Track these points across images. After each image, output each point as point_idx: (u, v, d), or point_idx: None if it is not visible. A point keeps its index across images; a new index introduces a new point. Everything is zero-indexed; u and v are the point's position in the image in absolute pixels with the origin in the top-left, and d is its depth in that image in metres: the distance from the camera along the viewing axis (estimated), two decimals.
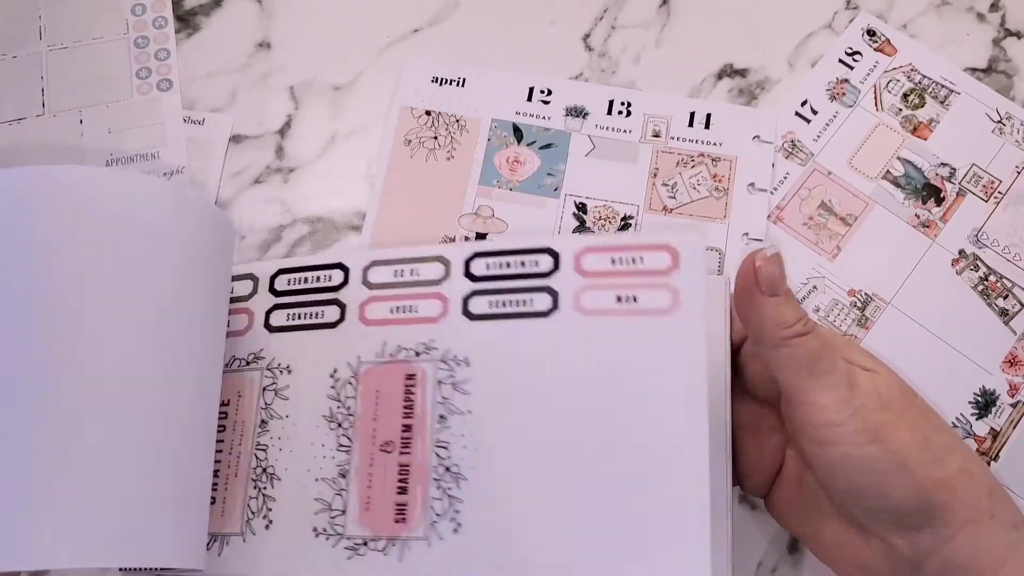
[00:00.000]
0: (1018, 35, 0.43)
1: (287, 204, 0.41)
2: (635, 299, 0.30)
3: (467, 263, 0.33)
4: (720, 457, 0.33)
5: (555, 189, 0.40)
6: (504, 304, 0.32)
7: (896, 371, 0.31)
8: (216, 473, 0.33)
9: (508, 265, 0.32)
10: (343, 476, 0.32)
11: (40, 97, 0.42)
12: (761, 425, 0.32)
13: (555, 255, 0.32)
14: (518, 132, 0.41)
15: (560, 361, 0.31)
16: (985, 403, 0.37)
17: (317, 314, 0.34)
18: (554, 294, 0.31)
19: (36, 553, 0.26)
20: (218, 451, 0.33)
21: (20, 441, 0.27)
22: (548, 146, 0.41)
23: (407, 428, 0.31)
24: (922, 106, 0.41)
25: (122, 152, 0.41)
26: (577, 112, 0.41)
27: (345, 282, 0.34)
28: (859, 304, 0.38)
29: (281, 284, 0.35)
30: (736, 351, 0.33)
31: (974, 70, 0.42)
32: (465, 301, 0.32)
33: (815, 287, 0.38)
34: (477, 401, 0.31)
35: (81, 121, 0.42)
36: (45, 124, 0.42)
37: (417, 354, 0.32)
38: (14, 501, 0.26)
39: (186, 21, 0.44)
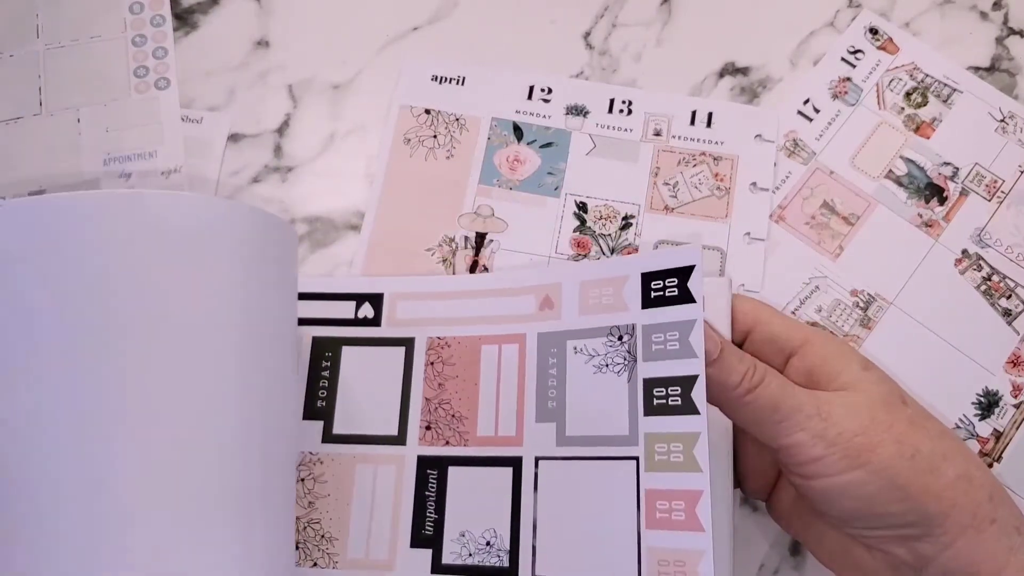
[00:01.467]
0: (1021, 34, 0.42)
1: (286, 203, 0.41)
2: None
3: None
4: (722, 460, 0.33)
5: (555, 188, 0.40)
6: None
7: (891, 376, 0.31)
8: None
9: None
10: None
11: (37, 96, 0.42)
12: None
13: None
14: (518, 131, 0.41)
15: None
16: (988, 404, 0.37)
17: None
18: None
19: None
20: None
21: (113, 471, 0.25)
22: (548, 145, 0.41)
23: None
24: (925, 105, 0.41)
25: (120, 151, 0.41)
26: (578, 111, 0.41)
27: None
28: (861, 304, 0.38)
29: None
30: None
31: (977, 69, 0.42)
32: None
33: (817, 287, 0.38)
34: None
35: (79, 120, 0.41)
36: (42, 123, 0.41)
37: None
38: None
39: (184, 19, 0.43)
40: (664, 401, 0.31)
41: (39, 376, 0.24)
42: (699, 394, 0.30)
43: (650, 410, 0.32)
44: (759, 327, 0.33)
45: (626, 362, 0.33)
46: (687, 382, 0.31)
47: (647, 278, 0.33)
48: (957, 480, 0.28)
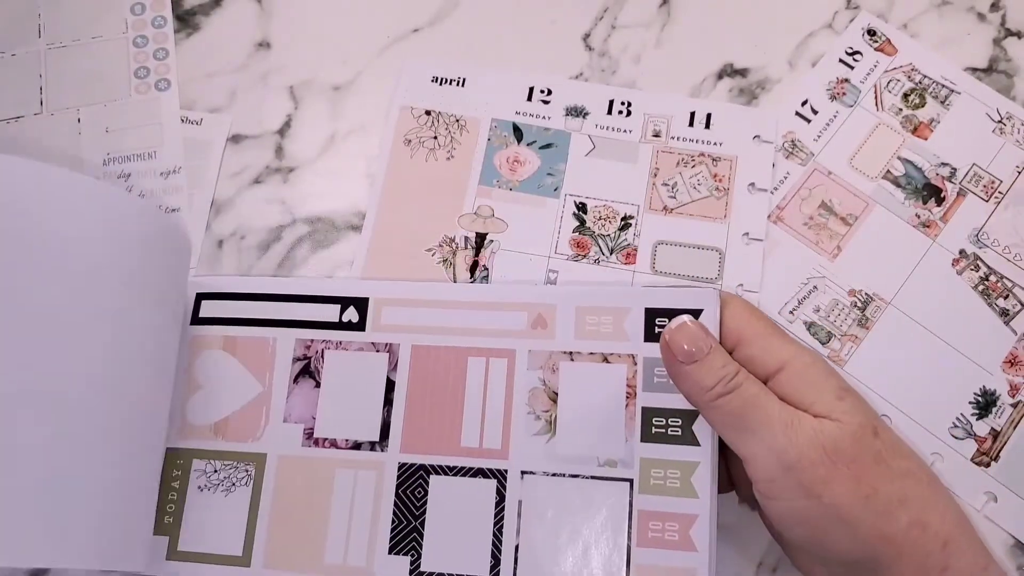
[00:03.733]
0: (1018, 35, 0.43)
1: (287, 204, 0.41)
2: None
3: None
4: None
5: (555, 189, 0.40)
6: None
7: (870, 406, 0.31)
8: None
9: None
10: None
11: (38, 95, 0.42)
12: None
13: None
14: (518, 132, 0.41)
15: None
16: (985, 403, 0.37)
17: None
18: None
19: None
20: None
21: None
22: (548, 146, 0.41)
23: None
24: (922, 106, 0.41)
25: (119, 151, 0.41)
26: (577, 112, 0.41)
27: None
28: (859, 304, 0.38)
29: None
30: None
31: (974, 70, 0.42)
32: None
33: (815, 287, 0.38)
34: None
35: (79, 120, 0.42)
36: (43, 123, 0.41)
37: None
38: None
39: (185, 21, 0.43)
40: (663, 430, 0.33)
41: None
42: (701, 427, 0.32)
43: (648, 437, 0.33)
44: (740, 347, 0.32)
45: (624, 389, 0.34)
46: (689, 416, 0.33)
47: (651, 313, 0.34)
48: (910, 527, 0.28)
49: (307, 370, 0.36)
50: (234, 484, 0.34)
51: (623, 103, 0.41)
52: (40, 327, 0.28)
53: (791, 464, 0.28)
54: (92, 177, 0.38)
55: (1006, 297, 0.38)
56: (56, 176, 0.30)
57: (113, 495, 0.30)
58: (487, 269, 0.39)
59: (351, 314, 0.36)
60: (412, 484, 0.34)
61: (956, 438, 0.36)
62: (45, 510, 0.27)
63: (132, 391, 0.31)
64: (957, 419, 0.37)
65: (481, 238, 0.39)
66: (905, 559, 0.28)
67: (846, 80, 0.42)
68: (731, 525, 0.35)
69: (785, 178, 0.40)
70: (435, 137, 0.41)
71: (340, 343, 0.36)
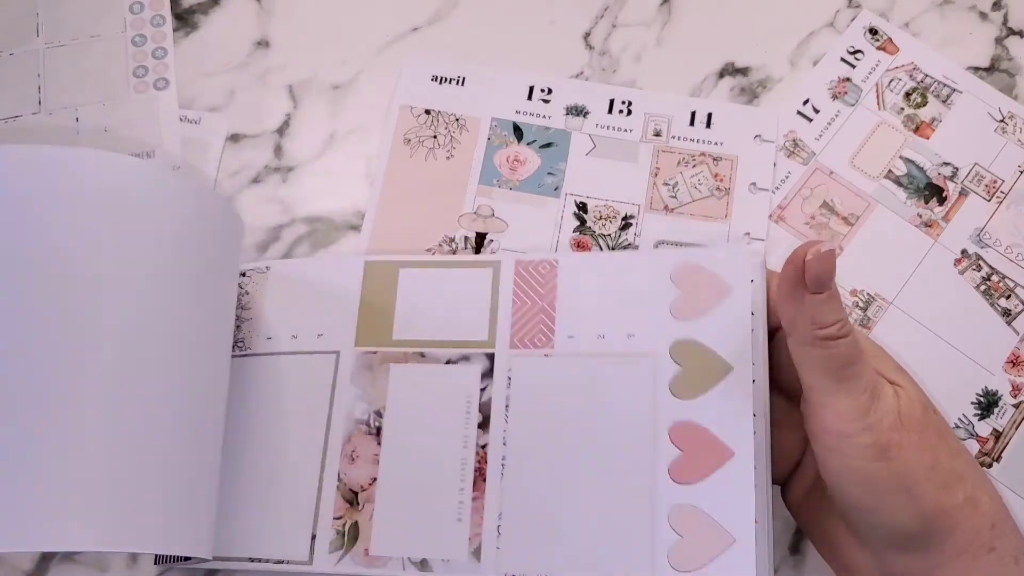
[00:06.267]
0: (1020, 34, 0.42)
1: (286, 204, 0.41)
2: None
3: None
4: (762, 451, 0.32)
5: (555, 188, 0.40)
6: None
7: (920, 384, 0.30)
8: None
9: None
10: None
11: (36, 95, 0.42)
12: (786, 419, 0.32)
13: None
14: (518, 131, 0.41)
15: None
16: (987, 404, 0.37)
17: None
18: None
19: (42, 536, 0.26)
20: None
21: (22, 428, 0.26)
22: (548, 145, 0.41)
23: None
24: (924, 105, 0.41)
25: (117, 151, 0.41)
26: (577, 111, 0.41)
27: None
28: (861, 304, 0.38)
29: None
30: (768, 338, 0.33)
31: (976, 69, 0.42)
32: None
33: None
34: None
35: (77, 119, 0.41)
36: (41, 122, 0.41)
37: None
38: (18, 486, 0.26)
39: (184, 19, 0.43)
40: None
41: None
42: None
43: None
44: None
45: None
46: None
47: None
48: (965, 503, 0.28)
49: None
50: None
51: (623, 102, 0.41)
52: (109, 313, 0.29)
53: (871, 424, 0.28)
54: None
55: (1008, 297, 0.38)
56: (126, 163, 0.31)
57: (178, 481, 0.30)
58: None
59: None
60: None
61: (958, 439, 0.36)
62: (114, 494, 0.27)
63: (194, 375, 0.31)
64: (959, 420, 0.37)
65: (481, 238, 0.39)
66: (957, 535, 0.27)
67: (847, 79, 0.42)
68: None
69: (786, 178, 0.40)
70: (435, 136, 0.41)
71: None
